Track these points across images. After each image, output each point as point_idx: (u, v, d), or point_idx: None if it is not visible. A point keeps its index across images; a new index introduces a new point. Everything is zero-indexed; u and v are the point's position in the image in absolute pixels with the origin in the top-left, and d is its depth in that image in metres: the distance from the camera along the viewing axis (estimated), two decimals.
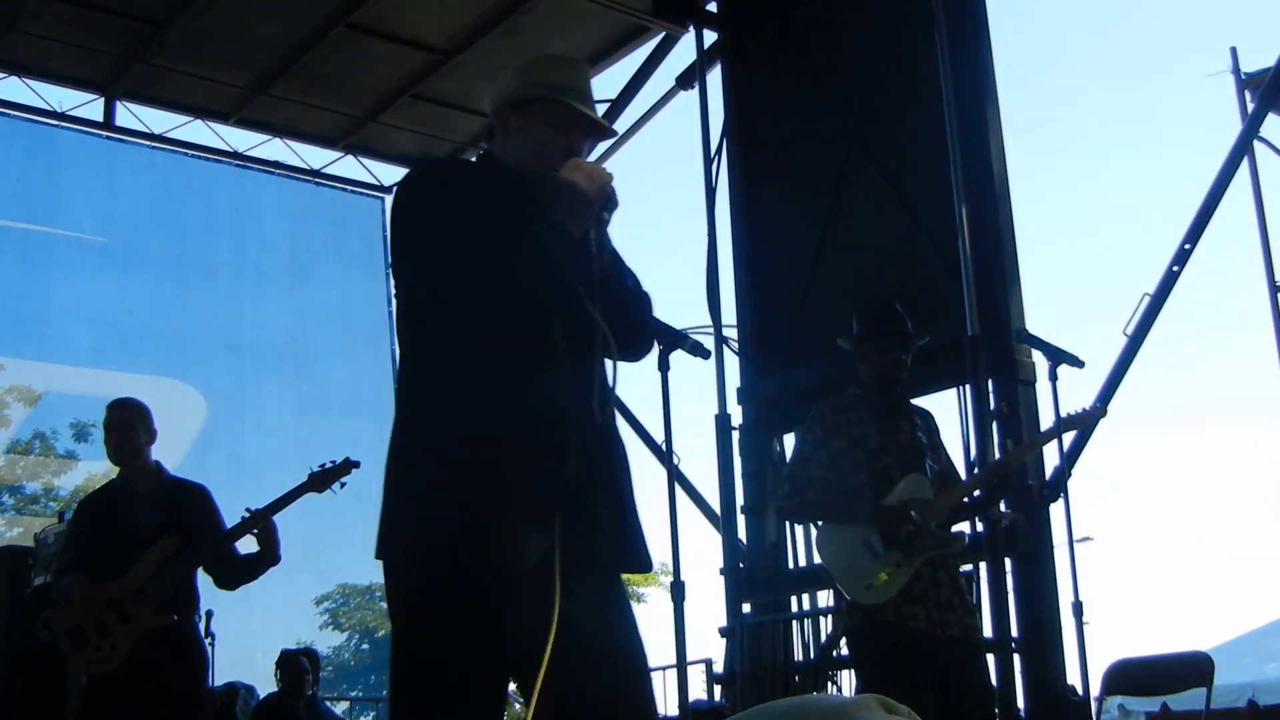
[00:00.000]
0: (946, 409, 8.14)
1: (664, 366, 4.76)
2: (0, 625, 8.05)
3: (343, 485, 6.74)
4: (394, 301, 13.56)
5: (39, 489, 13.82)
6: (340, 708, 12.71)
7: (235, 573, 6.59)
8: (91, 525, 6.43)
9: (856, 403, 6.08)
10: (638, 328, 3.66)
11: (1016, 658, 7.72)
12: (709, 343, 9.91)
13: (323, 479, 6.68)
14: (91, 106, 12.87)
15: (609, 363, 3.41)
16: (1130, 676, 7.83)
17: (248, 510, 6.51)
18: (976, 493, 6.27)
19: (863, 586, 5.78)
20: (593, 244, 3.48)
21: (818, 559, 6.23)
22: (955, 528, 6.03)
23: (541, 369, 3.35)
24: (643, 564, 3.45)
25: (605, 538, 3.38)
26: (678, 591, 5.26)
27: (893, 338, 6.11)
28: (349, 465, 6.73)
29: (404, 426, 3.38)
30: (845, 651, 8.85)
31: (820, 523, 6.14)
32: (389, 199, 14.14)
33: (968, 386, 8.08)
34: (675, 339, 4.65)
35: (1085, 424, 6.70)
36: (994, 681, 6.64)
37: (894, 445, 6.02)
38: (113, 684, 6.13)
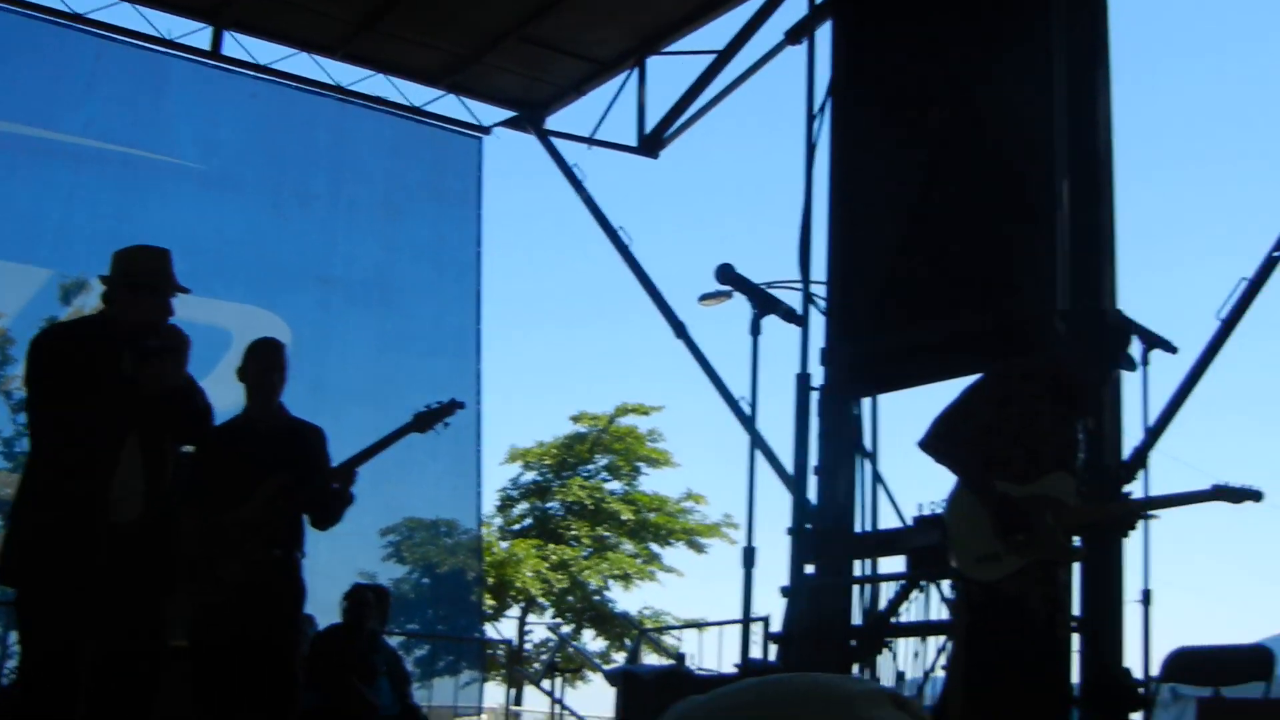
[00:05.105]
0: None
1: (755, 330, 4.82)
2: None
3: (446, 425, 6.76)
4: (482, 243, 13.73)
5: None
6: (396, 641, 12.83)
7: (329, 513, 6.67)
8: (213, 458, 6.50)
9: (1043, 376, 6.17)
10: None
11: (1076, 637, 7.75)
12: (796, 300, 9.95)
13: (428, 419, 6.72)
14: (199, 35, 13.00)
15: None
16: (1189, 665, 7.84)
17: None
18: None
19: (972, 558, 5.88)
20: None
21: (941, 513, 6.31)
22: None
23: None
24: None
25: None
26: (749, 556, 5.35)
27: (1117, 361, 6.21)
28: (455, 406, 6.76)
29: None
30: (904, 618, 8.97)
31: (956, 479, 6.21)
32: (487, 139, 14.38)
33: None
34: (768, 304, 4.71)
35: (1236, 499, 6.40)
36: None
37: (1059, 436, 6.07)
38: (218, 616, 6.24)
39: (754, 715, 1.45)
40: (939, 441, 6.15)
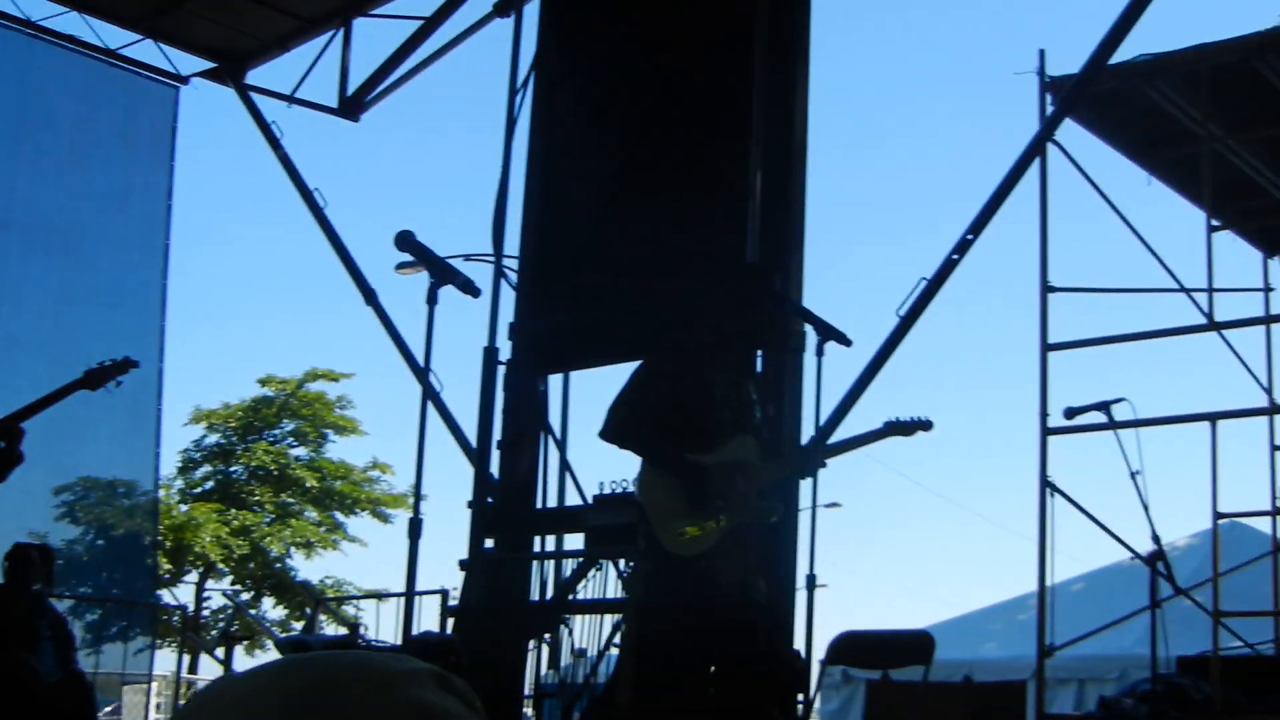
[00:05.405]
0: None
1: (432, 300, 4.77)
2: None
3: (119, 384, 6.55)
4: (173, 196, 13.36)
5: None
6: (66, 604, 12.40)
7: None
8: None
9: (709, 344, 6.22)
10: None
11: None
12: (489, 272, 9.91)
13: (100, 376, 6.49)
14: None
15: None
16: (855, 648, 8.10)
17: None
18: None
19: (674, 534, 5.89)
20: None
21: (635, 491, 6.30)
22: None
23: None
24: None
25: None
26: (415, 528, 5.32)
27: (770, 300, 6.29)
28: (128, 364, 6.55)
29: None
30: (582, 596, 9.00)
31: (644, 460, 6.23)
32: (184, 90, 13.92)
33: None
34: (446, 274, 4.66)
35: (908, 431, 6.74)
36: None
37: (735, 401, 6.15)
38: None
39: (289, 694, 1.35)
40: (619, 428, 6.20)
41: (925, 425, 6.69)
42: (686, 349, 6.27)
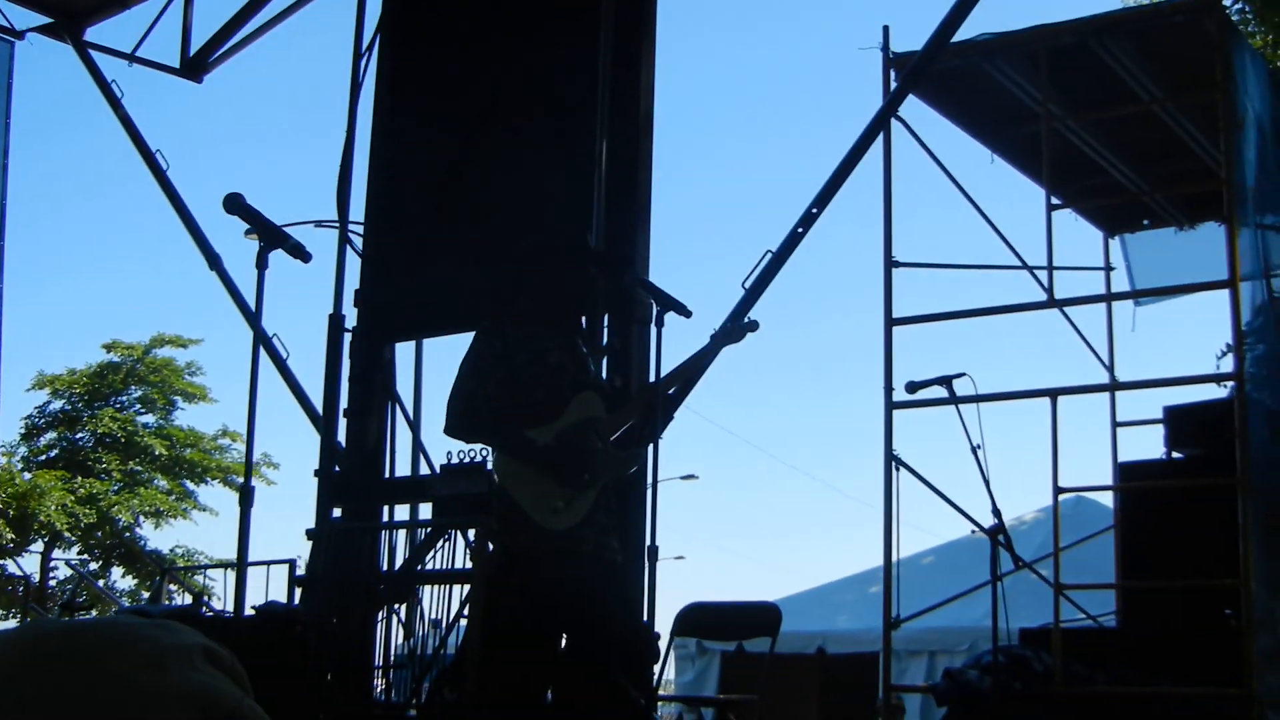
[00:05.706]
0: None
1: (262, 264, 4.69)
2: None
3: None
4: (9, 155, 13.05)
5: None
6: None
7: None
8: None
9: (533, 313, 6.20)
10: None
11: None
12: (334, 238, 9.83)
13: None
14: None
15: None
16: (701, 620, 8.16)
17: None
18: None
19: (549, 511, 5.86)
20: None
21: (498, 480, 6.24)
22: None
23: None
24: None
25: None
26: (245, 496, 5.26)
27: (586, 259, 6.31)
28: None
29: None
30: (431, 566, 8.96)
31: (495, 449, 6.19)
32: (20, 45, 13.54)
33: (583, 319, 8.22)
34: (276, 238, 4.58)
35: (737, 337, 6.89)
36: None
37: (571, 363, 6.15)
38: None
39: (45, 668, 1.28)
40: (460, 421, 6.15)
41: (752, 326, 6.87)
42: (508, 326, 6.24)
